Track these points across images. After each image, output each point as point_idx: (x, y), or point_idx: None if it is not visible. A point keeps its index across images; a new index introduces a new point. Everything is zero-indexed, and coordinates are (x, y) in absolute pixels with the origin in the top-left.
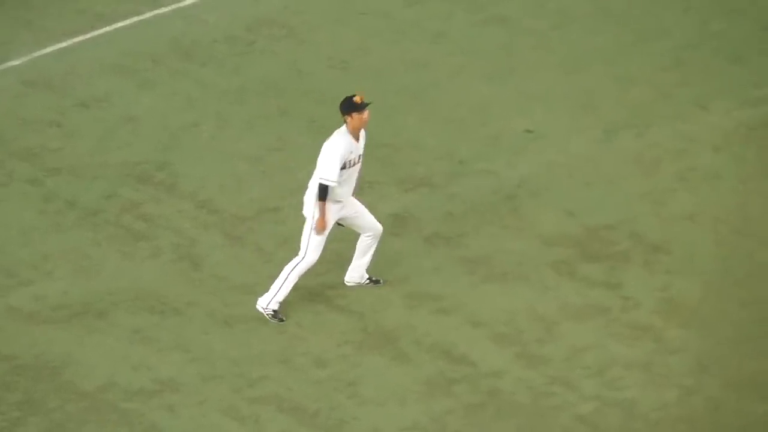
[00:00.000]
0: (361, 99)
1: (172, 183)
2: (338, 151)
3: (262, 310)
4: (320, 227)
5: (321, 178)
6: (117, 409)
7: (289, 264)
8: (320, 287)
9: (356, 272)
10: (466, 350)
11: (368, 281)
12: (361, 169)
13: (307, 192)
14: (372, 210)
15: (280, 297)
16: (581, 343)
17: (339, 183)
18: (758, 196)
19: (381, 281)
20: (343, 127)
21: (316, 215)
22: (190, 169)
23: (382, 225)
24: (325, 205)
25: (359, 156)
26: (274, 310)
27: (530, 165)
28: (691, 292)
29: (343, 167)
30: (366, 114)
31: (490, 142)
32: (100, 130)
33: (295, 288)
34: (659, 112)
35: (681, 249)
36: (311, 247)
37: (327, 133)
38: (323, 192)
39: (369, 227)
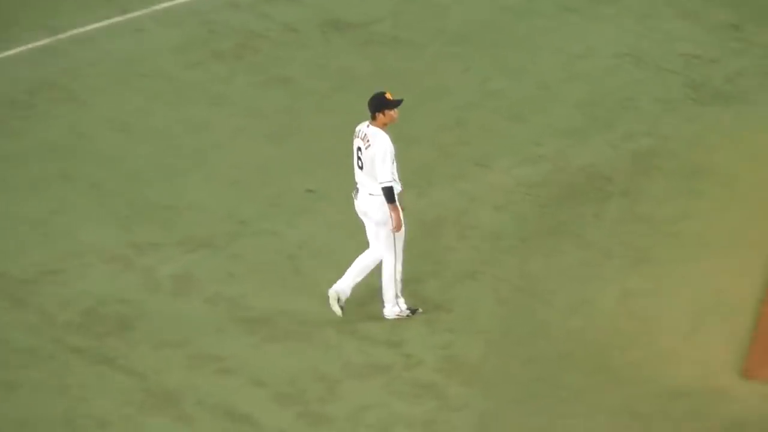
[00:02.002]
0: (392, 95)
1: None
2: (389, 149)
3: (398, 316)
4: (400, 225)
5: (381, 183)
6: None
7: (386, 272)
8: (104, 348)
9: (343, 284)
10: (248, 410)
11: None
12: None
13: (368, 200)
14: (153, 272)
15: (399, 296)
16: (364, 402)
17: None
18: (538, 255)
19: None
20: (376, 128)
21: (393, 217)
22: None
23: (163, 287)
24: (396, 205)
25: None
26: (408, 308)
27: (311, 225)
28: (473, 350)
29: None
30: (396, 111)
31: (271, 202)
32: None
33: (78, 350)
34: (441, 172)
35: (462, 307)
36: (399, 246)
37: (110, 195)
38: (389, 194)
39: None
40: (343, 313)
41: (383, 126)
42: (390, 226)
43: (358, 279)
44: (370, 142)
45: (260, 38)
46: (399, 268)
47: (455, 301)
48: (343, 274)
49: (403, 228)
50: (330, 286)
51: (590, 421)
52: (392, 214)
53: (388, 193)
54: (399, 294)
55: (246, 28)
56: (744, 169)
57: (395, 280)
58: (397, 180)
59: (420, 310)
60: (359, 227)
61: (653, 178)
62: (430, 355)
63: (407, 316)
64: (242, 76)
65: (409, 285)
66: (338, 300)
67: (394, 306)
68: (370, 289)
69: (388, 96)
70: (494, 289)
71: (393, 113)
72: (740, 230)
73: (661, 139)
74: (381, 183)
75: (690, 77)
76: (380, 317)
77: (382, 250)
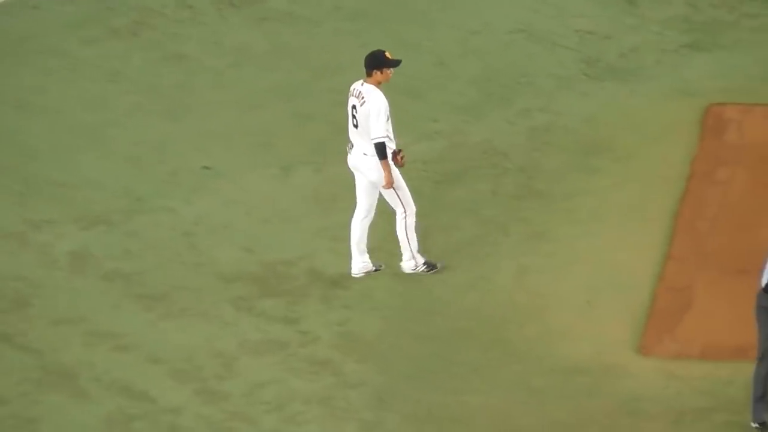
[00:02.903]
0: (391, 54)
1: None
2: (383, 105)
3: (415, 271)
4: (390, 182)
5: (374, 138)
6: None
7: (398, 226)
8: (1, 325)
9: (357, 262)
10: (145, 387)
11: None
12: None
13: (362, 160)
14: (50, 249)
15: (416, 250)
16: (260, 379)
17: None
18: (435, 231)
19: (382, 266)
20: (371, 85)
21: (384, 175)
22: None
23: (59, 264)
24: (387, 162)
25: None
26: (425, 263)
27: (208, 202)
28: (370, 326)
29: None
30: (391, 72)
31: (167, 179)
32: None
33: None
34: (336, 148)
35: (358, 284)
36: (405, 199)
37: (4, 172)
38: (381, 150)
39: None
40: (382, 266)
41: (377, 84)
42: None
43: (363, 245)
44: (365, 99)
45: (156, 15)
46: (410, 222)
47: (352, 278)
48: (237, 249)
49: (401, 181)
50: (228, 263)
51: (486, 396)
52: (384, 172)
53: (380, 148)
54: (415, 248)
55: (142, 5)
56: (639, 145)
57: (407, 234)
58: (392, 138)
59: (438, 265)
60: (256, 204)
61: (549, 155)
62: (326, 332)
63: (424, 271)
64: (138, 53)
65: (304, 261)
66: (370, 270)
67: (410, 260)
68: (266, 266)
69: (388, 55)
70: (391, 266)
71: (389, 72)
72: (636, 206)
73: (556, 115)
74: (373, 138)
75: (585, 53)
76: (278, 294)
77: (391, 206)
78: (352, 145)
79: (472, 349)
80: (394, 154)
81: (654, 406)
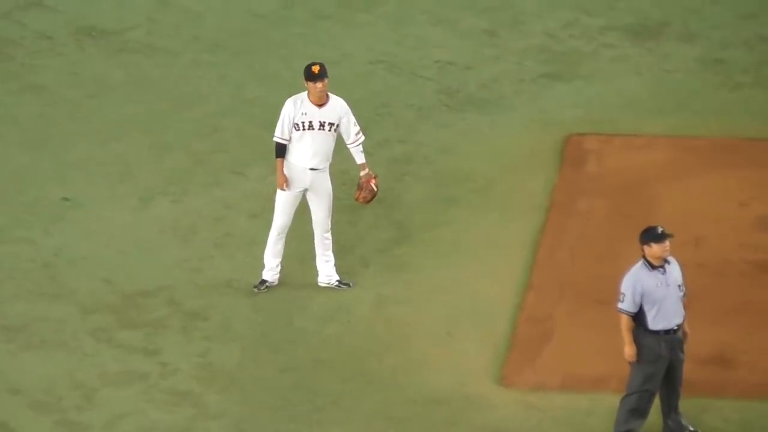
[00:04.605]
0: (317, 69)
1: None
2: (284, 109)
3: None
4: (277, 183)
5: (274, 136)
6: None
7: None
8: None
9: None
10: (5, 418)
11: (338, 283)
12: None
13: None
14: None
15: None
16: (121, 410)
17: (288, 141)
18: (293, 261)
19: (351, 284)
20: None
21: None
22: None
23: None
24: (280, 162)
25: (322, 123)
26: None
27: (67, 233)
28: (230, 357)
29: (296, 128)
30: (319, 85)
31: (26, 209)
32: None
33: None
34: (196, 180)
35: (219, 315)
36: (275, 209)
37: None
38: (277, 149)
39: (316, 220)
40: (352, 284)
41: (308, 96)
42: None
43: (326, 258)
44: None
45: (14, 45)
46: (270, 233)
47: (212, 309)
48: (97, 280)
49: (283, 194)
50: (88, 294)
51: (347, 427)
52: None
53: (276, 147)
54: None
55: (0, 35)
56: (499, 175)
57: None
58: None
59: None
60: (115, 235)
61: (408, 185)
62: (186, 363)
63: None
64: None
65: (164, 292)
66: (335, 283)
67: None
68: (126, 297)
69: (313, 69)
70: (250, 296)
71: (316, 86)
72: (495, 236)
73: (415, 145)
74: (274, 136)
75: (444, 84)
76: (138, 325)
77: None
78: None
79: (333, 379)
80: (370, 177)
81: None
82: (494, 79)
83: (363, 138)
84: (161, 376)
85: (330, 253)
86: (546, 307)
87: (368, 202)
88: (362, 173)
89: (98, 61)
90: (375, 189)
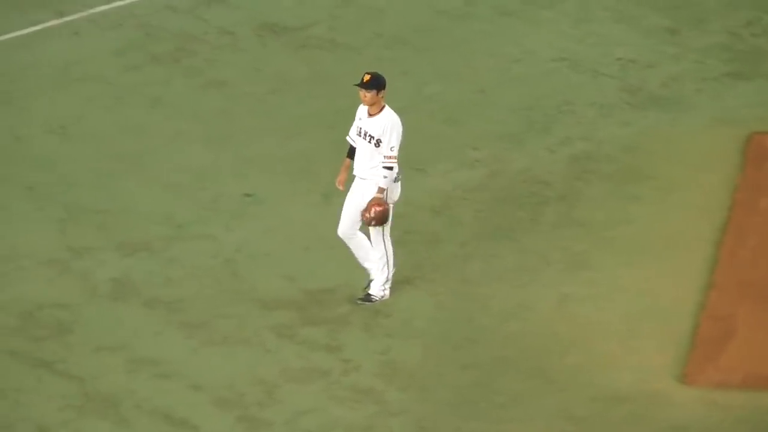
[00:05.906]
0: (364, 78)
1: None
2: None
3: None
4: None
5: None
6: None
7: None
8: (42, 352)
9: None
10: (187, 414)
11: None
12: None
13: None
14: (90, 276)
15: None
16: (302, 407)
17: (355, 143)
18: (476, 259)
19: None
20: None
21: None
22: None
23: (100, 291)
24: (345, 161)
25: (366, 133)
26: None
27: (249, 229)
28: (411, 355)
29: (358, 132)
30: (361, 93)
31: (208, 206)
32: None
33: (16, 354)
34: None
35: (400, 312)
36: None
37: (46, 199)
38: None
39: (343, 221)
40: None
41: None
42: None
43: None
44: None
45: (197, 42)
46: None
47: (393, 306)
48: (278, 277)
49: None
50: (269, 290)
51: (527, 425)
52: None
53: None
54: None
55: (183, 31)
56: (680, 174)
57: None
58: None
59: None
60: (297, 232)
61: (590, 183)
62: (368, 360)
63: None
64: (179, 79)
65: (346, 289)
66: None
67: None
68: (308, 294)
69: (363, 78)
70: (432, 294)
71: (360, 93)
72: (676, 235)
73: (597, 143)
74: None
75: (626, 81)
76: (319, 322)
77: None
78: None
79: (514, 378)
80: (376, 202)
81: None
82: (676, 77)
83: (393, 165)
84: (343, 372)
85: (369, 264)
86: (728, 306)
87: (370, 224)
88: (375, 194)
89: (280, 57)
90: (369, 216)
